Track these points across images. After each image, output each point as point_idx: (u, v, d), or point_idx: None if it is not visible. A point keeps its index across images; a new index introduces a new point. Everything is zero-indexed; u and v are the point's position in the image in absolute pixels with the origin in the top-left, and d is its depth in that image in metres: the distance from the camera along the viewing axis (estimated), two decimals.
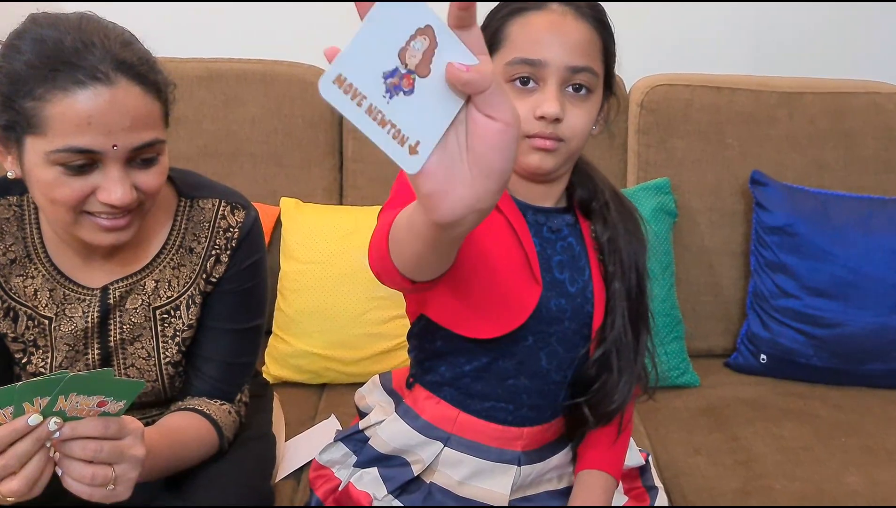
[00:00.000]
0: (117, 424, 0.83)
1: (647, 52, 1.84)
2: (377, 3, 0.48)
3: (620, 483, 1.15)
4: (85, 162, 0.88)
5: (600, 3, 0.97)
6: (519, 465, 1.06)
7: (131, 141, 0.89)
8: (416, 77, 0.49)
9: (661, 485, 1.19)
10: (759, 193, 1.65)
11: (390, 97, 0.49)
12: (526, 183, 1.01)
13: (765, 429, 1.45)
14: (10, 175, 0.94)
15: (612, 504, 1.08)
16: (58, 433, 0.80)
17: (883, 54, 1.92)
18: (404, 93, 0.49)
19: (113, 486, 0.83)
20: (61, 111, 0.86)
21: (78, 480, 0.82)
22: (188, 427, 1.03)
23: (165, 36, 1.76)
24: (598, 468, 1.06)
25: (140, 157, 0.92)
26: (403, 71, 0.49)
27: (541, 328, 1.01)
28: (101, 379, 0.80)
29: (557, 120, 0.92)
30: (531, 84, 0.93)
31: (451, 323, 0.99)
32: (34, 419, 0.79)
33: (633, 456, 1.17)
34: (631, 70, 1.77)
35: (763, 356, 1.64)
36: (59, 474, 0.82)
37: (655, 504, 1.14)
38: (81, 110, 0.86)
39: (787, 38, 1.91)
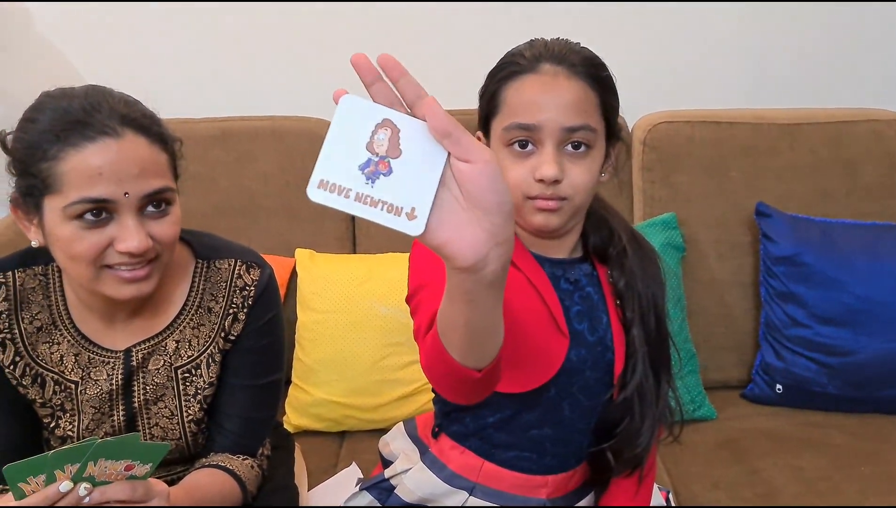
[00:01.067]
0: (144, 487, 0.86)
1: (647, 91, 1.88)
2: (336, 114, 0.56)
3: None
4: (99, 209, 0.92)
5: (596, 55, 0.97)
6: None
7: (141, 188, 0.94)
8: (390, 160, 0.56)
9: None
10: (765, 224, 1.67)
11: (372, 183, 0.56)
12: (537, 238, 1.02)
13: (783, 461, 1.46)
14: (34, 244, 0.99)
15: None
16: (87, 498, 0.83)
17: (880, 81, 1.95)
18: (384, 175, 0.56)
19: None
20: (74, 166, 0.91)
21: None
22: (212, 484, 1.05)
23: (178, 98, 1.84)
24: None
25: (151, 203, 0.96)
26: (376, 159, 0.56)
27: (563, 380, 1.02)
28: (128, 444, 0.84)
29: (556, 181, 0.93)
30: (529, 147, 0.94)
31: None
32: (65, 485, 0.82)
33: (654, 497, 1.18)
34: (631, 109, 1.81)
35: (779, 386, 1.64)
36: None
37: None
38: (92, 163, 0.91)
39: (784, 69, 1.94)
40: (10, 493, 0.83)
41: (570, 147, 0.94)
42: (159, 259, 0.99)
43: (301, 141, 1.75)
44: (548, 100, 0.93)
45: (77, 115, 0.92)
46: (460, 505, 1.08)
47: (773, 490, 1.38)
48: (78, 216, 0.92)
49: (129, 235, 0.93)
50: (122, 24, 1.91)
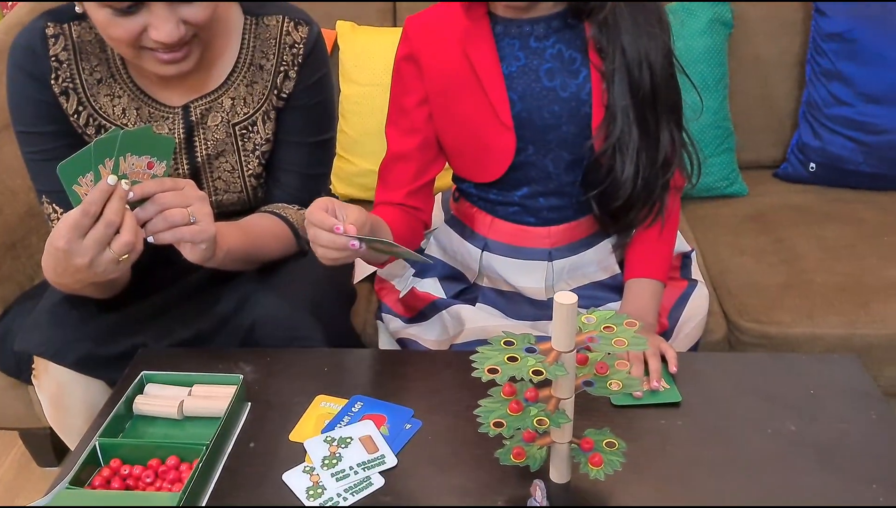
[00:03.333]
0: (170, 179, 0.94)
1: None
2: None
3: None
4: (129, 4, 0.92)
5: None
6: (550, 260, 1.16)
7: None
8: None
9: (702, 279, 1.27)
10: None
11: None
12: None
13: (809, 231, 1.52)
14: (77, 10, 1.00)
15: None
16: (131, 193, 0.90)
17: None
18: None
19: (195, 220, 0.93)
20: None
21: (163, 229, 0.92)
22: (260, 221, 1.12)
23: None
24: (644, 274, 1.14)
25: None
26: None
27: (537, 137, 1.08)
28: (144, 135, 0.92)
29: None
30: None
31: (457, 171, 1.19)
32: (112, 179, 0.89)
33: (679, 245, 1.25)
34: None
35: (812, 164, 1.67)
36: (150, 240, 0.93)
37: (693, 296, 1.21)
38: None
39: None
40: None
41: None
42: (197, 38, 1.00)
43: None
44: None
45: None
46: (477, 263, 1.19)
47: (796, 256, 1.46)
48: (107, 6, 0.92)
49: (160, 24, 0.94)
50: None
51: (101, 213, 0.88)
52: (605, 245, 1.18)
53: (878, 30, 1.56)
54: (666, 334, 1.18)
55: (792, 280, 1.40)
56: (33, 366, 1.12)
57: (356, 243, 0.90)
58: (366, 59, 1.65)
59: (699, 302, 1.22)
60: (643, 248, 1.15)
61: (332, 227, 0.89)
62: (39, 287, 1.26)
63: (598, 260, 1.18)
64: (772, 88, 1.73)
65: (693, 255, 1.29)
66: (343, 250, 0.90)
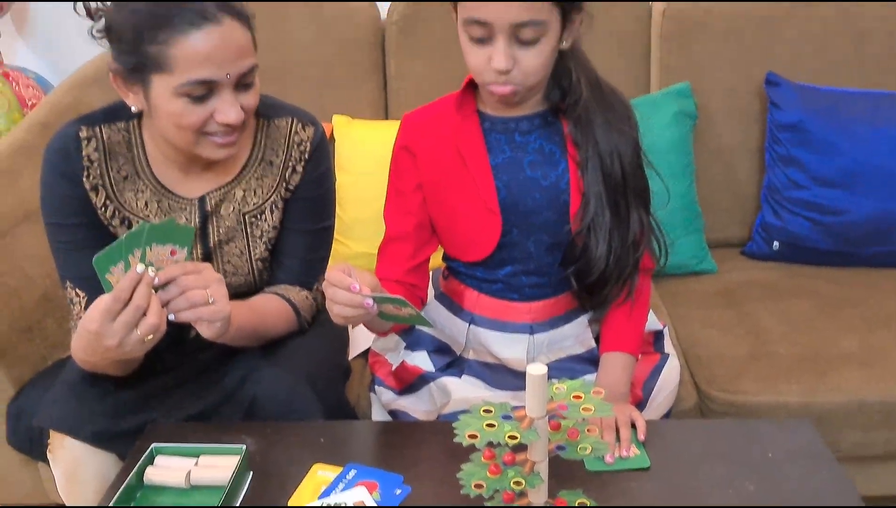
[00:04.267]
0: (191, 263, 1.05)
1: None
2: None
3: None
4: (205, 92, 1.07)
5: None
6: (531, 334, 1.26)
7: (239, 68, 1.08)
8: None
9: (674, 352, 1.36)
10: (773, 93, 1.76)
11: None
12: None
13: (773, 306, 1.63)
14: (133, 109, 1.13)
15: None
16: (156, 279, 1.00)
17: None
18: None
19: (213, 300, 1.02)
20: (184, 52, 1.04)
21: (185, 308, 1.02)
22: (267, 302, 1.22)
23: None
24: (617, 349, 1.23)
25: (243, 81, 1.10)
26: None
27: (521, 221, 1.20)
28: (169, 226, 1.03)
29: (508, 71, 1.06)
30: (484, 39, 1.06)
31: (448, 251, 1.29)
32: (140, 267, 0.99)
33: (651, 323, 1.35)
34: None
35: (775, 243, 1.79)
36: (171, 318, 1.02)
37: (665, 369, 1.30)
38: (201, 49, 1.04)
39: None
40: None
41: (520, 38, 1.06)
42: (244, 125, 1.14)
43: (336, 12, 1.84)
44: None
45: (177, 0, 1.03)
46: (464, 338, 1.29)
47: (761, 329, 1.56)
48: (186, 94, 1.06)
49: (228, 108, 1.08)
50: None
51: (129, 298, 0.97)
52: (582, 321, 1.28)
53: (827, 121, 1.71)
54: (641, 404, 1.26)
55: (757, 351, 1.49)
56: (48, 441, 1.19)
57: (370, 301, 0.99)
58: (360, 149, 1.79)
59: (671, 373, 1.32)
60: (616, 324, 1.25)
61: (349, 286, 0.99)
62: (53, 368, 1.35)
63: (576, 334, 1.28)
64: (735, 172, 1.86)
65: (665, 330, 1.39)
66: (357, 308, 1.00)
